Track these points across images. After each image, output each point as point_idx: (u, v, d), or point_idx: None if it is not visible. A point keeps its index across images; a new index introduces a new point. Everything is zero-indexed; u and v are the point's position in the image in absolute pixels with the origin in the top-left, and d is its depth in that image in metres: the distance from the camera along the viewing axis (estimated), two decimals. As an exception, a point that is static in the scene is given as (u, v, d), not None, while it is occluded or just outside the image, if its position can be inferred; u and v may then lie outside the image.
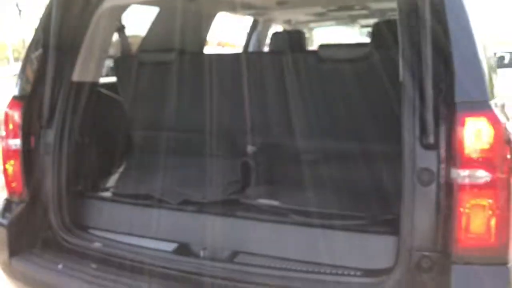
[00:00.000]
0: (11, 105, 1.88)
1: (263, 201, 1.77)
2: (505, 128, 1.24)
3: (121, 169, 2.28)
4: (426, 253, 1.29)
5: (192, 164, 2.02)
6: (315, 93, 1.84)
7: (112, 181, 2.19)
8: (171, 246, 1.71)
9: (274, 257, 1.56)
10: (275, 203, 1.74)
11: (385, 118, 1.58)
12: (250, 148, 2.02)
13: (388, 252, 1.39)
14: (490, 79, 1.36)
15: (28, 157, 1.85)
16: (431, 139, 1.27)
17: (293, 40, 2.43)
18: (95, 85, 2.06)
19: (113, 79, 2.37)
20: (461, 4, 1.32)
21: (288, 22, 4.32)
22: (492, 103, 1.27)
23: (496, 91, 1.45)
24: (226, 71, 1.98)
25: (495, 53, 3.92)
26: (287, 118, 1.89)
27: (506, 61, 3.80)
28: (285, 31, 3.77)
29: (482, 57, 1.30)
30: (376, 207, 1.59)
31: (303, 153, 1.87)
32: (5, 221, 1.82)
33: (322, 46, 2.04)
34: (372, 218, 1.55)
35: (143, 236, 1.78)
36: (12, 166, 1.88)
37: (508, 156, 1.23)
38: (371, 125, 1.71)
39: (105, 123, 2.14)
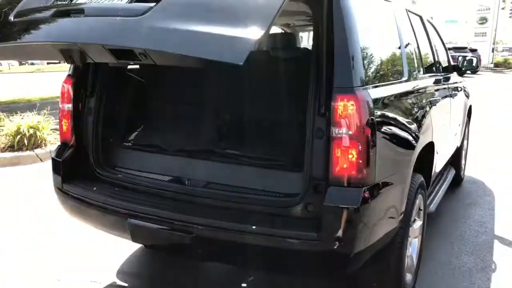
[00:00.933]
0: (65, 81, 2.75)
1: (229, 151, 2.61)
2: (363, 104, 2.00)
3: (139, 129, 3.17)
4: (319, 181, 2.06)
5: (187, 126, 2.88)
6: (254, 82, 2.63)
7: (133, 136, 3.09)
8: (168, 178, 2.57)
9: (232, 186, 2.40)
10: (235, 152, 2.57)
11: (296, 96, 2.35)
12: (222, 117, 2.91)
13: (298, 182, 2.16)
14: (367, 72, 2.12)
15: (76, 116, 2.72)
16: (323, 110, 2.04)
17: None
18: (124, 69, 2.93)
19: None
20: (346, 22, 2.05)
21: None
22: (360, 87, 2.02)
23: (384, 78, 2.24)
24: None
25: (464, 57, 4.52)
26: (241, 99, 2.76)
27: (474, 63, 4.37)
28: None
29: (358, 58, 2.05)
30: (291, 154, 2.38)
31: (248, 122, 2.74)
32: (60, 159, 2.73)
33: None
34: (289, 161, 2.35)
35: (150, 172, 2.65)
36: (65, 123, 2.77)
37: (364, 121, 1.99)
38: (287, 100, 2.51)
39: (130, 96, 3.01)
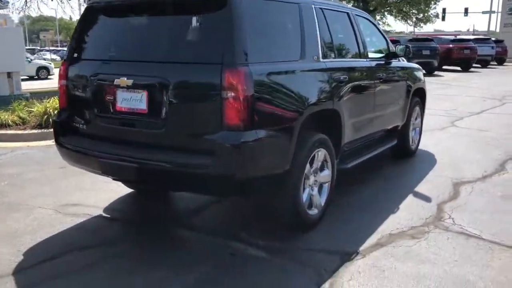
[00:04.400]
0: (62, 64, 3.84)
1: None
2: (246, 76, 2.95)
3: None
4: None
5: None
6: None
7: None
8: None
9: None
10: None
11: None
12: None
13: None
14: (255, 51, 3.08)
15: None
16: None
17: None
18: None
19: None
20: (239, 13, 3.03)
21: None
22: (245, 63, 2.98)
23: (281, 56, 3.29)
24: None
25: (398, 45, 5.39)
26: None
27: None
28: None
29: (247, 37, 3.03)
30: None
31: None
32: (58, 120, 3.83)
33: None
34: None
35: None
36: (62, 94, 3.86)
37: (245, 87, 2.95)
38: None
39: None
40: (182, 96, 3.18)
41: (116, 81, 3.34)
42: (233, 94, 2.96)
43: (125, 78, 3.28)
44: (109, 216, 4.10)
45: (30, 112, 7.77)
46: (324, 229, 3.76)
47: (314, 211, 3.78)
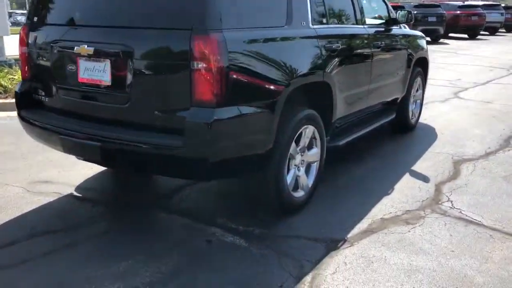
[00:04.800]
0: (22, 28, 3.45)
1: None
2: (219, 44, 2.58)
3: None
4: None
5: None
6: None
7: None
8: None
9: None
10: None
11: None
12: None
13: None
14: (230, 17, 2.69)
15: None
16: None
17: None
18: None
19: None
20: None
21: None
22: (218, 30, 2.59)
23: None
24: None
25: (399, 12, 4.94)
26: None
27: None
28: None
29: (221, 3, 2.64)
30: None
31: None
32: (19, 91, 3.47)
33: None
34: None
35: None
36: (22, 62, 3.49)
37: (219, 57, 2.58)
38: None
39: None
40: (148, 67, 2.81)
41: (77, 49, 2.97)
42: (204, 65, 2.59)
43: (86, 46, 2.91)
44: (80, 195, 3.80)
45: (13, 80, 7.39)
46: (311, 213, 3.46)
47: (300, 193, 3.47)
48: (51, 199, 3.67)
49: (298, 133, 3.31)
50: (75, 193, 3.81)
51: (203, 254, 2.91)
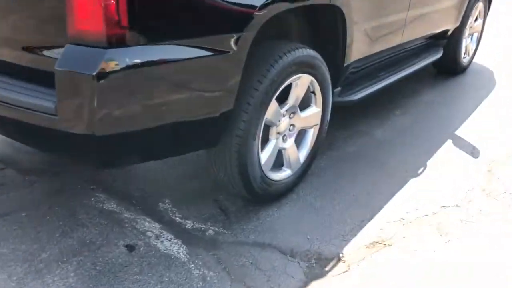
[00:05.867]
0: None
1: None
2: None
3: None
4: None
5: None
6: None
7: None
8: None
9: None
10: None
11: None
12: None
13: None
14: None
15: None
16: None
17: None
18: None
19: None
20: None
21: None
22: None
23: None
24: None
25: None
26: None
27: None
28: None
29: None
30: None
31: None
32: None
33: None
34: None
35: None
36: None
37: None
38: None
39: None
40: None
41: None
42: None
43: None
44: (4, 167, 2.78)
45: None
46: (295, 206, 2.36)
47: (284, 174, 2.35)
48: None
49: (284, 85, 2.12)
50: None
51: (114, 270, 1.88)
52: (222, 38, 1.72)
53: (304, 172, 2.47)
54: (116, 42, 1.46)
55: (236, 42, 1.75)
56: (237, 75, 1.83)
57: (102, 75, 1.43)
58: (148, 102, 1.60)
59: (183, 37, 1.62)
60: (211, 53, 1.70)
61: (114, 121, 1.54)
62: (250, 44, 1.81)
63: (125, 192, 2.40)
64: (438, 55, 3.77)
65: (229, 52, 1.74)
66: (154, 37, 1.55)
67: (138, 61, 1.51)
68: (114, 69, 1.46)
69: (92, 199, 2.33)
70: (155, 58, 1.55)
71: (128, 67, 1.48)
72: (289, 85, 2.18)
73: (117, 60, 1.46)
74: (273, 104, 2.10)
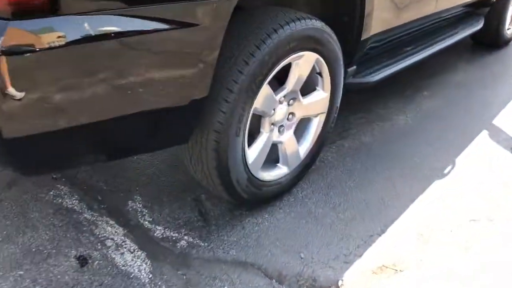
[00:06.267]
0: None
1: None
2: None
3: None
4: None
5: None
6: None
7: None
8: None
9: None
10: None
11: None
12: None
13: None
14: None
15: None
16: None
17: None
18: None
19: None
20: None
21: None
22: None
23: None
24: None
25: None
26: None
27: None
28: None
29: None
30: None
31: None
32: None
33: None
34: None
35: None
36: None
37: None
38: None
39: None
40: None
41: None
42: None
43: None
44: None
45: None
46: (291, 213, 1.95)
47: (278, 172, 1.94)
48: None
49: (280, 66, 1.67)
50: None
51: None
52: (185, 6, 1.27)
53: (304, 169, 2.05)
54: (27, 10, 1.03)
55: (207, 12, 1.30)
56: (212, 54, 1.39)
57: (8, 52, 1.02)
58: (78, 89, 1.18)
59: (128, 4, 1.18)
60: (171, 26, 1.26)
61: (30, 116, 1.13)
62: (229, 14, 1.36)
63: (91, 184, 2.03)
64: (479, 26, 3.21)
65: (197, 25, 1.30)
66: (88, 4, 1.12)
67: (63, 34, 1.08)
68: (25, 43, 1.04)
69: (51, 192, 1.97)
70: (91, 32, 1.12)
71: (50, 45, 1.06)
72: (288, 65, 1.74)
73: (31, 33, 1.04)
74: (265, 89, 1.67)
